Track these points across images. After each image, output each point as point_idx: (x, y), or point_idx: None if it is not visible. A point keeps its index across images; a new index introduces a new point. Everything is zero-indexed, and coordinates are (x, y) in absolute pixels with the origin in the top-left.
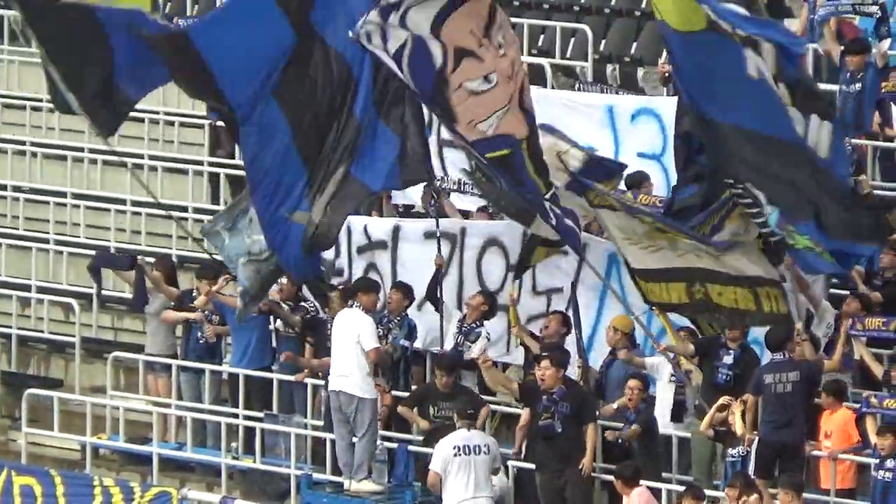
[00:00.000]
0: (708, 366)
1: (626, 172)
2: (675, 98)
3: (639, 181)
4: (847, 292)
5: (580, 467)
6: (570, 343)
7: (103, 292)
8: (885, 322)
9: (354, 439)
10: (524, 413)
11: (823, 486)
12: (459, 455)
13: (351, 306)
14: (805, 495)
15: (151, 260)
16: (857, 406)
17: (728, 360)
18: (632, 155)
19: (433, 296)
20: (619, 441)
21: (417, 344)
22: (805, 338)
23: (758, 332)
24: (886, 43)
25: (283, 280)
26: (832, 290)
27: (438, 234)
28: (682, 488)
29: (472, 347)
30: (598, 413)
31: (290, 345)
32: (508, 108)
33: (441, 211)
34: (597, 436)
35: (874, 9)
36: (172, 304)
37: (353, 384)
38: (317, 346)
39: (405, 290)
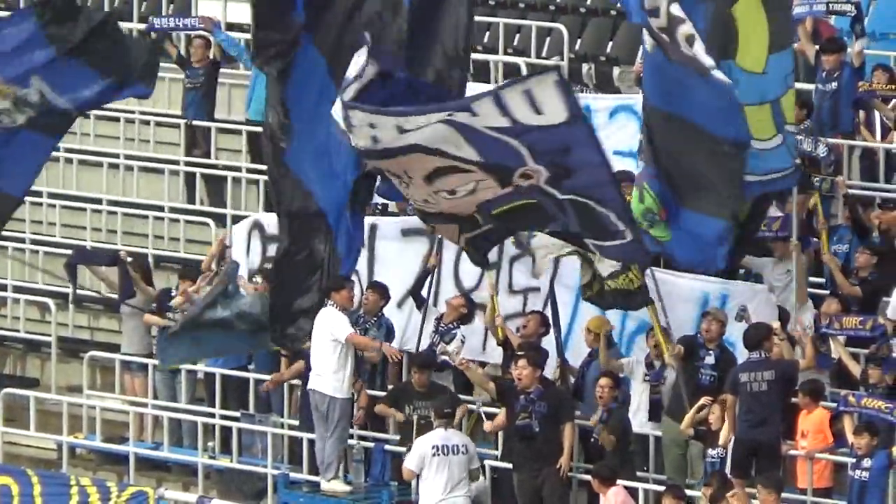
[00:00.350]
0: (689, 367)
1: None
2: None
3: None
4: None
5: (558, 467)
6: (549, 342)
7: (78, 291)
8: (862, 321)
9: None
10: (500, 413)
11: (800, 486)
12: (438, 455)
13: (325, 305)
14: (782, 494)
15: (129, 260)
16: (835, 405)
17: (710, 360)
18: (609, 153)
19: (418, 294)
20: (593, 440)
21: (394, 343)
22: (783, 337)
23: (729, 332)
24: (861, 43)
25: (259, 280)
26: (809, 290)
27: (439, 236)
28: (658, 487)
29: (446, 348)
30: (575, 412)
31: None
32: None
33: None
34: (574, 435)
35: (848, 7)
36: (154, 304)
37: (326, 383)
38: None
39: (381, 290)
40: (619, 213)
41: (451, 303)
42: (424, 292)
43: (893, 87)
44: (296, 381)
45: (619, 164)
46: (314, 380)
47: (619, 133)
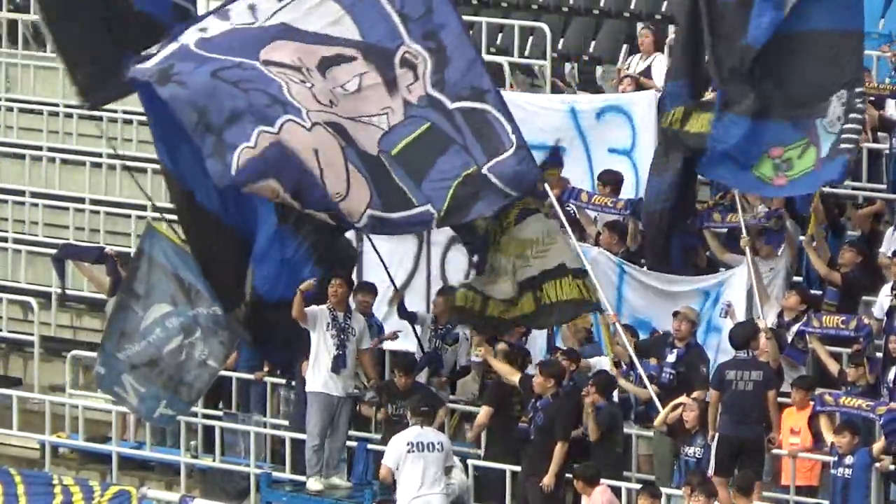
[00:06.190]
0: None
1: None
2: (643, 94)
3: (610, 181)
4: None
5: (541, 484)
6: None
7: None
8: (844, 321)
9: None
10: (482, 412)
11: (786, 484)
12: (413, 451)
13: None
14: (769, 494)
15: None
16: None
17: (671, 358)
18: (603, 150)
19: (403, 312)
20: (582, 436)
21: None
22: (770, 336)
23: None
24: None
25: None
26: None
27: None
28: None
29: (452, 349)
30: (570, 433)
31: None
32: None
33: None
34: (562, 455)
35: None
36: None
37: (308, 379)
38: None
39: (370, 289)
40: (505, 115)
41: (438, 303)
42: (411, 307)
43: (876, 86)
44: (279, 380)
45: (614, 163)
46: None
47: (611, 132)
